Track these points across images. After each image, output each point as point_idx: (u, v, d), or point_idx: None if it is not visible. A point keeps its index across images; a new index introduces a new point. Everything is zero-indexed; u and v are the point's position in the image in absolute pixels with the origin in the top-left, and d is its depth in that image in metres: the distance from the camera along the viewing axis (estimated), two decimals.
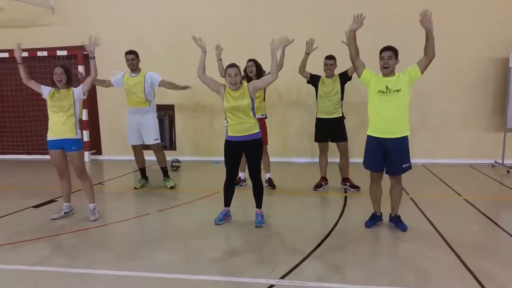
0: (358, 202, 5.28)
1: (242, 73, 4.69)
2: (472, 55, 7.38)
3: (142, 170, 6.30)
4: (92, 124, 8.58)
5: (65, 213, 4.82)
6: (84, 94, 4.66)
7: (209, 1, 8.00)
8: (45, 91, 4.62)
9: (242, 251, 3.85)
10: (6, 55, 8.35)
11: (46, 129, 4.67)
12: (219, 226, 4.46)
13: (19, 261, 3.62)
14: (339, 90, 5.62)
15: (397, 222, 4.30)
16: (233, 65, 4.31)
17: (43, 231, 4.36)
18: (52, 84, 4.59)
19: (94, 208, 4.77)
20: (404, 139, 4.09)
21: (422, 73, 3.98)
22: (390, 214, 4.38)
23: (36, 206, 5.28)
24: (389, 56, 3.99)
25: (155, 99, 6.09)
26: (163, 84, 5.93)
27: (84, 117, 8.22)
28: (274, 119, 7.27)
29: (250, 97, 4.31)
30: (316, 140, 5.91)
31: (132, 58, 5.79)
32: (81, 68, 8.02)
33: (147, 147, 6.16)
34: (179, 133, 8.50)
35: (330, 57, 5.62)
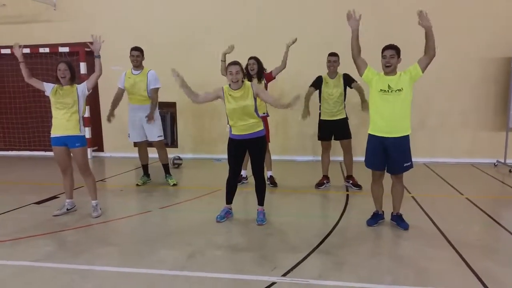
0: (360, 200, 5.28)
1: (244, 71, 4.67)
2: (475, 54, 7.36)
3: (145, 167, 6.31)
4: (94, 121, 8.59)
5: (67, 209, 4.84)
6: (88, 90, 4.67)
7: (213, 0, 7.98)
8: (48, 88, 4.61)
9: (244, 248, 3.85)
10: (8, 51, 8.33)
11: (49, 125, 4.67)
12: (221, 224, 4.47)
13: (21, 257, 3.63)
14: (343, 92, 5.62)
15: (399, 220, 4.30)
16: (234, 63, 4.26)
17: (45, 227, 4.37)
18: (56, 80, 4.59)
19: (96, 205, 4.78)
20: (405, 138, 4.08)
21: (423, 72, 3.97)
22: (392, 212, 4.38)
23: (38, 203, 5.29)
24: (391, 54, 3.98)
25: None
26: (154, 92, 5.86)
27: (86, 114, 8.21)
28: (275, 117, 7.26)
29: (254, 97, 4.26)
30: (319, 139, 5.91)
31: (137, 55, 5.79)
32: (83, 65, 8.02)
33: (150, 144, 6.17)
34: (180, 130, 8.50)
35: (333, 54, 5.61)
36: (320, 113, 5.82)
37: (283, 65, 5.77)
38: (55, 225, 4.46)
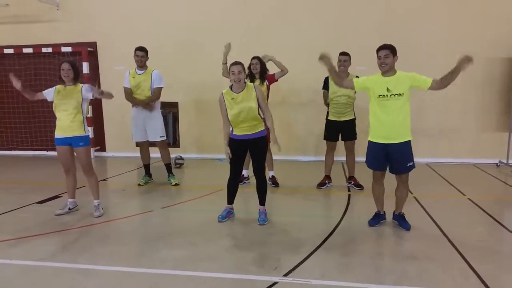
0: (361, 200, 5.28)
1: (247, 71, 4.67)
2: (479, 55, 7.29)
3: (147, 167, 6.32)
4: (97, 120, 8.61)
5: (69, 209, 4.85)
6: (92, 97, 4.58)
7: (214, 1, 7.98)
8: (49, 94, 4.63)
9: (245, 248, 3.85)
10: (11, 51, 8.38)
11: (51, 125, 4.68)
12: (222, 224, 4.47)
13: (23, 256, 3.64)
14: (352, 95, 5.53)
15: (401, 220, 4.29)
16: (237, 63, 4.26)
17: (48, 227, 4.38)
18: (59, 80, 4.60)
19: (98, 204, 4.79)
20: (407, 144, 4.07)
21: (428, 89, 4.02)
22: (394, 211, 4.37)
23: (41, 202, 5.30)
24: (386, 55, 3.96)
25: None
26: (157, 90, 5.90)
27: (89, 113, 8.24)
28: (278, 117, 7.24)
29: (256, 98, 4.25)
30: (325, 139, 5.89)
31: (142, 55, 5.81)
32: (85, 65, 8.04)
33: (152, 144, 6.18)
34: (182, 130, 8.50)
35: (344, 53, 5.53)
36: (328, 113, 5.80)
37: (285, 70, 5.76)
38: (57, 224, 4.47)
